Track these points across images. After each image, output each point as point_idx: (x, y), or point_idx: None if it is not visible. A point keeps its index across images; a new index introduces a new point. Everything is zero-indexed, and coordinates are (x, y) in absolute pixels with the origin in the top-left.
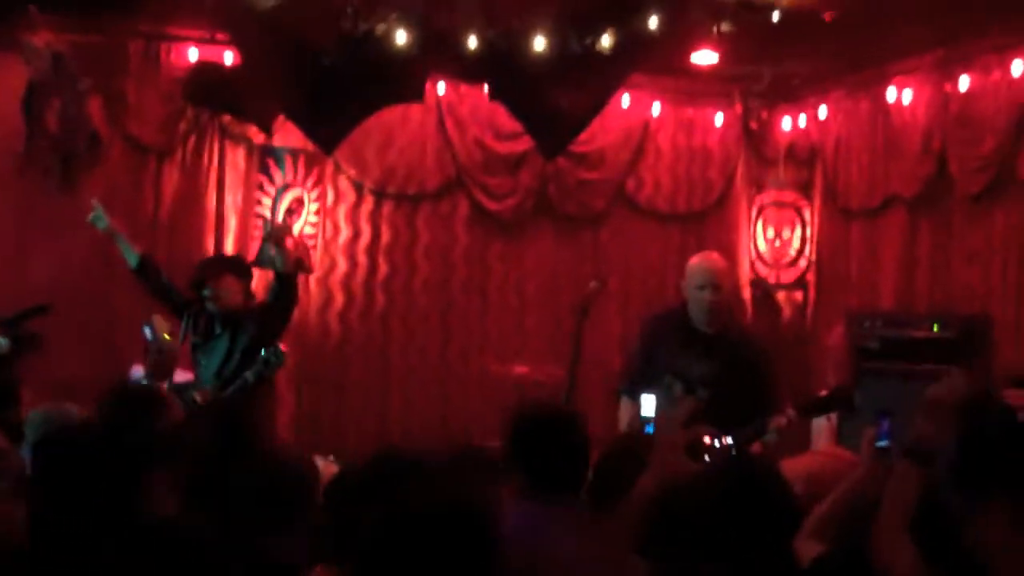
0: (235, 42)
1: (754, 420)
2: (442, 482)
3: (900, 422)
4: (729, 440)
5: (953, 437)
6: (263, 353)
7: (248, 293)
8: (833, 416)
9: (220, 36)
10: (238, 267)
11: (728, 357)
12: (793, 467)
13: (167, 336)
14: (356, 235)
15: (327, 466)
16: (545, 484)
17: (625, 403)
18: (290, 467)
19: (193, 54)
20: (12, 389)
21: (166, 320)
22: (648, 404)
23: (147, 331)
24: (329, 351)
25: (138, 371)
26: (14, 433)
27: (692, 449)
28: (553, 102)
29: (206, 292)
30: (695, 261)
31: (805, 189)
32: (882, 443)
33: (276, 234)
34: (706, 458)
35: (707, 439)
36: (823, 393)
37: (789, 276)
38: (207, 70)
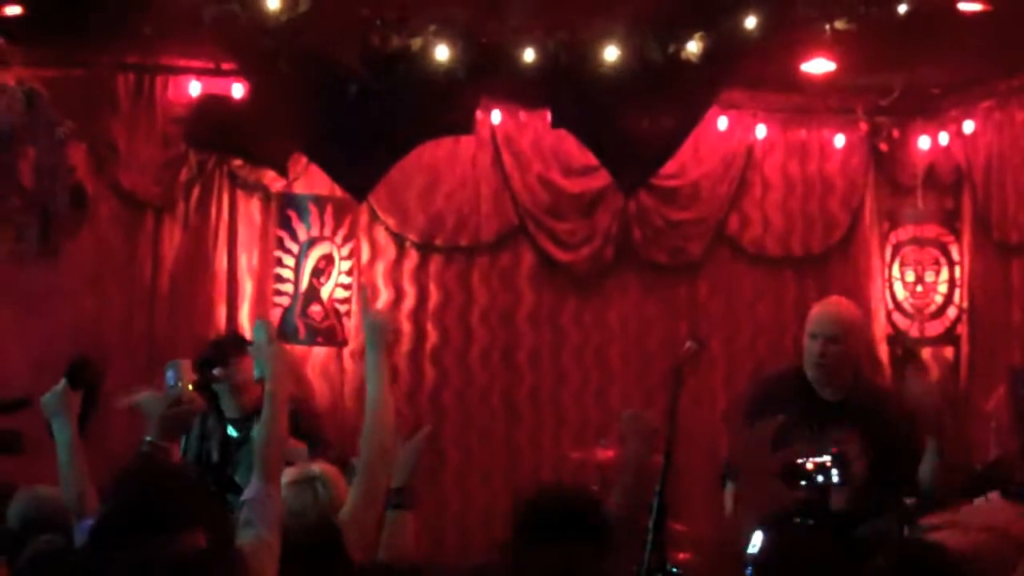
0: (244, 70)
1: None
2: None
3: None
4: (827, 458)
5: None
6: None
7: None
8: (994, 494)
9: (226, 65)
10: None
11: (858, 428)
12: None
13: (191, 387)
14: (398, 297)
15: None
16: None
17: (732, 491)
18: None
19: (194, 88)
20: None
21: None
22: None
23: (169, 375)
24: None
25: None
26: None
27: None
28: (631, 126)
29: (217, 371)
30: (816, 306)
31: (950, 221)
32: None
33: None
34: (803, 484)
35: (805, 461)
36: (980, 468)
37: (935, 328)
38: (212, 106)
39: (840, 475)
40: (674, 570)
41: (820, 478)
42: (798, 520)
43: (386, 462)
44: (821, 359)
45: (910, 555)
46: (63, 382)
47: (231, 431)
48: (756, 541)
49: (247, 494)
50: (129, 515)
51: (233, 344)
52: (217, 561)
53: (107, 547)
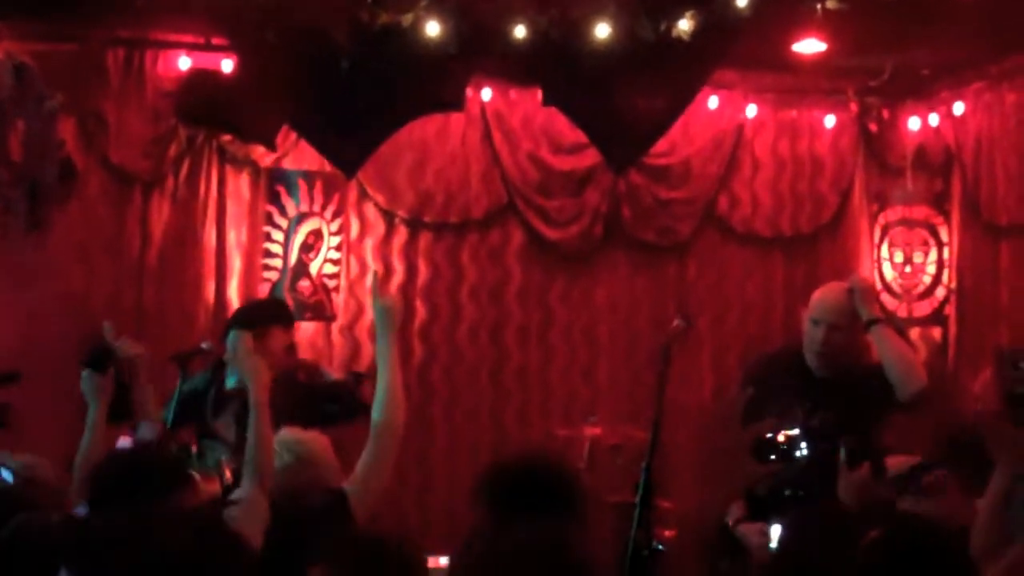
0: (234, 44)
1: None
2: None
3: None
4: (796, 431)
5: None
6: None
7: (292, 350)
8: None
9: (216, 40)
10: (285, 315)
11: (849, 402)
12: None
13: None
14: (387, 273)
15: None
16: None
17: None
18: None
19: (184, 63)
20: None
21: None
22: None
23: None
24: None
25: (125, 441)
26: None
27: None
28: (622, 104)
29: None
30: (819, 292)
31: (940, 203)
32: None
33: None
34: (773, 458)
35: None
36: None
37: (923, 309)
38: (201, 81)
39: (809, 447)
40: (660, 547)
41: (793, 453)
42: (788, 493)
43: (395, 443)
44: (824, 347)
45: (902, 530)
46: (86, 371)
47: (230, 382)
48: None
49: (237, 494)
50: (119, 480)
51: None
52: (211, 516)
53: (103, 512)
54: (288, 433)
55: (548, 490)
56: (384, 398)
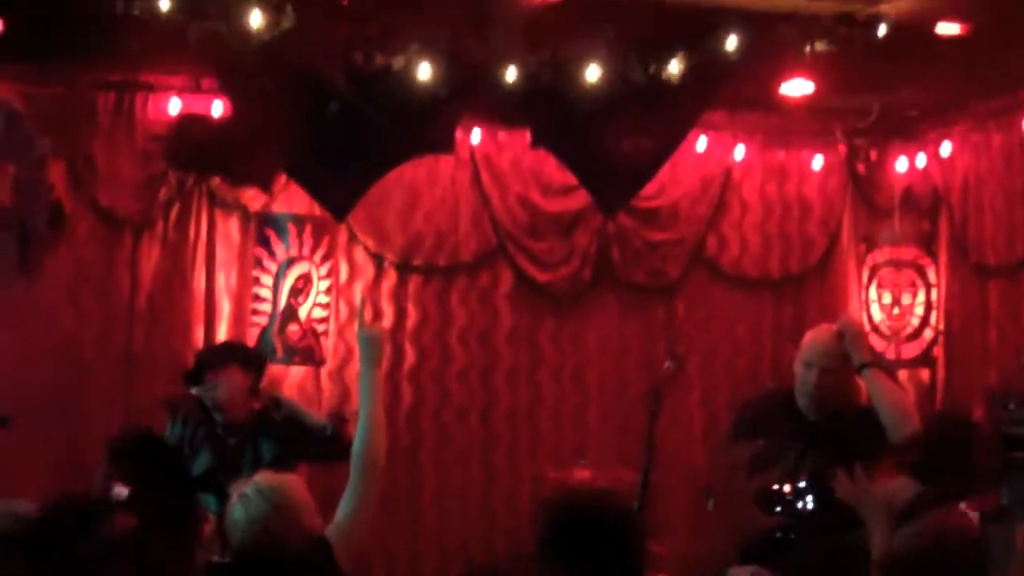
0: (225, 88)
1: None
2: None
3: None
4: (803, 483)
5: None
6: None
7: (255, 391)
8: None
9: (206, 83)
10: (245, 357)
11: (841, 445)
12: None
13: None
14: (376, 317)
15: None
16: None
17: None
18: None
19: (174, 106)
20: None
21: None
22: None
23: None
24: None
25: (121, 491)
26: None
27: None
28: (612, 147)
29: (198, 390)
30: (810, 334)
31: (928, 244)
32: None
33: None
34: (779, 510)
35: (782, 486)
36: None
37: (912, 351)
38: (191, 125)
39: (816, 500)
40: None
41: (798, 504)
42: (779, 536)
43: (377, 478)
44: (816, 390)
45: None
46: None
47: (223, 436)
48: None
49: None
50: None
51: (210, 359)
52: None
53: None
54: (262, 479)
55: (606, 527)
56: (366, 428)
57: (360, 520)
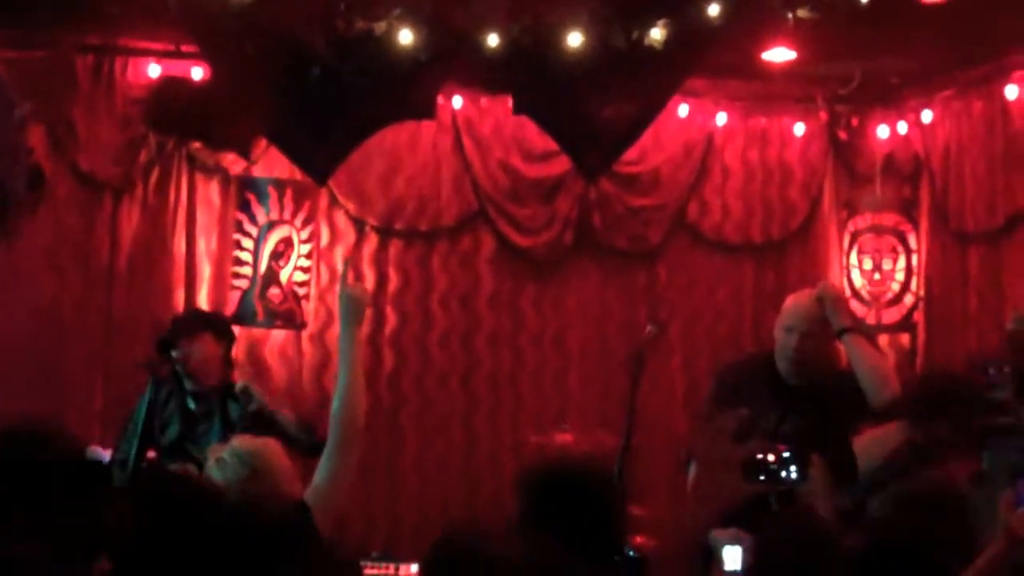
0: (205, 52)
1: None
2: None
3: None
4: (787, 454)
5: None
6: None
7: (228, 360)
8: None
9: (186, 47)
10: (218, 326)
11: (821, 410)
12: None
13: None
14: (357, 280)
15: None
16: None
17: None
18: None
19: (154, 70)
20: None
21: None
22: (733, 557)
23: None
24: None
25: (96, 451)
26: None
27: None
28: (593, 113)
29: (175, 353)
30: (791, 299)
31: (908, 210)
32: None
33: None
34: (762, 479)
35: (766, 455)
36: None
37: (892, 316)
38: (171, 88)
39: (799, 470)
40: (632, 554)
41: (782, 473)
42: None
43: (357, 440)
44: (797, 354)
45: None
46: None
47: (190, 404)
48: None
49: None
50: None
51: (184, 326)
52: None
53: None
54: (239, 443)
55: (588, 494)
56: (345, 388)
57: (339, 483)
